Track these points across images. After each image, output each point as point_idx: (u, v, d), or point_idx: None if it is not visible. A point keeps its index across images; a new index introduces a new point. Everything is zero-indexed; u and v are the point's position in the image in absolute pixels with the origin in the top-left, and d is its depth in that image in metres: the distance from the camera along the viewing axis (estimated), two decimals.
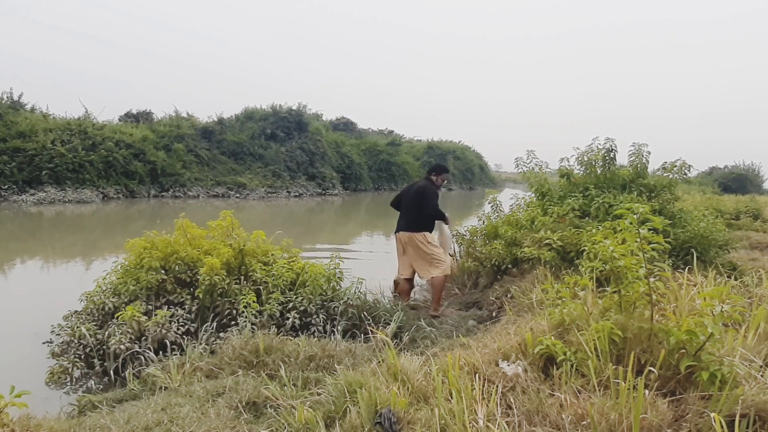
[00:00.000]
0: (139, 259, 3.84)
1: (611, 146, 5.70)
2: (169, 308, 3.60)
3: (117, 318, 3.38)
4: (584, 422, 1.71)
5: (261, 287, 3.75)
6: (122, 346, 3.16)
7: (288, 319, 3.55)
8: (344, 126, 32.67)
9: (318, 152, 24.47)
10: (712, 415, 1.56)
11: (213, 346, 3.17)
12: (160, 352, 3.22)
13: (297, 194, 21.89)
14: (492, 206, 6.22)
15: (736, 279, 4.05)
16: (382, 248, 8.97)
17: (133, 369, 2.98)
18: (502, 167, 58.44)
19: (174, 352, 3.17)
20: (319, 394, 2.21)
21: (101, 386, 3.11)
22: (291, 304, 3.66)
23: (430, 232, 4.56)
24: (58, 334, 3.64)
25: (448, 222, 4.66)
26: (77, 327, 3.50)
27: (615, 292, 2.34)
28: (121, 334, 3.24)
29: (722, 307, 1.92)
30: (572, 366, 2.03)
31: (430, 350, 2.73)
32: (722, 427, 1.49)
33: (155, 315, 3.37)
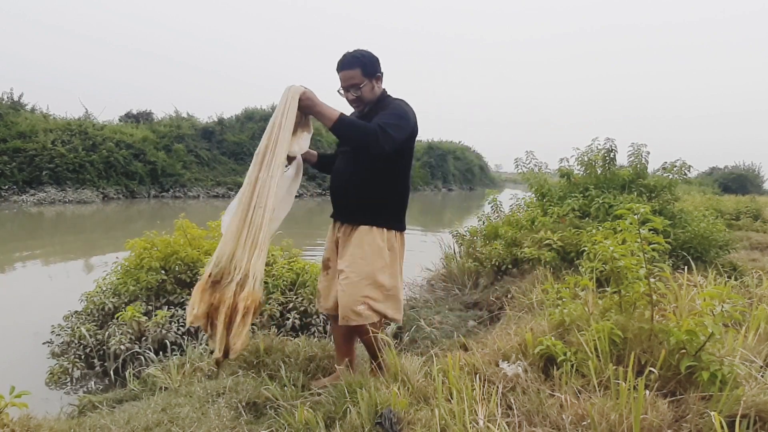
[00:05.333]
0: (139, 259, 3.84)
1: (611, 146, 5.71)
2: (169, 308, 3.60)
3: (117, 318, 3.38)
4: (584, 422, 1.71)
5: None
6: (122, 347, 3.16)
7: (288, 319, 3.55)
8: None
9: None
10: (713, 415, 1.56)
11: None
12: (160, 353, 3.22)
13: (297, 194, 21.81)
14: (492, 206, 6.22)
15: (736, 279, 4.05)
16: None
17: (133, 369, 2.98)
18: (503, 167, 58.51)
19: (174, 353, 3.17)
20: (319, 395, 2.21)
21: (101, 386, 3.11)
22: (291, 305, 3.66)
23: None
24: (58, 335, 3.65)
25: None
26: (77, 327, 3.51)
27: (615, 292, 2.34)
28: (121, 334, 3.24)
29: (722, 307, 1.92)
30: (572, 366, 2.03)
31: (430, 350, 2.73)
32: (722, 427, 1.49)
33: (155, 315, 3.37)
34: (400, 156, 2.28)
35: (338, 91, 2.31)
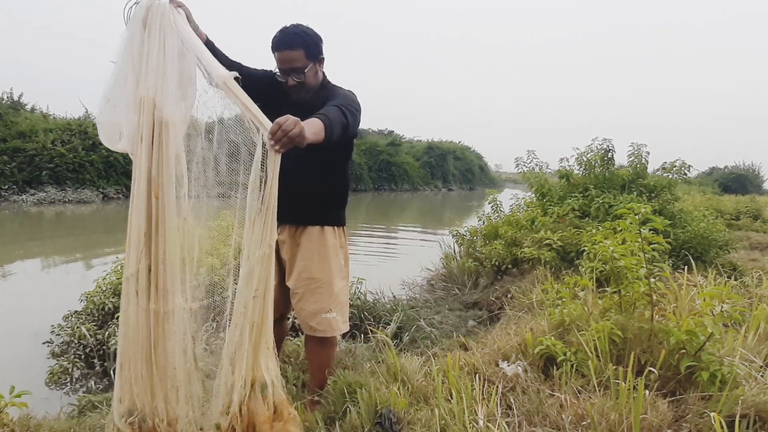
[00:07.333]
0: None
1: (608, 147, 5.73)
2: None
3: (117, 318, 3.38)
4: (584, 422, 1.71)
5: None
6: None
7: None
8: None
9: None
10: (712, 415, 1.56)
11: (213, 346, 3.16)
12: None
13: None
14: (492, 206, 6.23)
15: (736, 279, 4.06)
16: (382, 246, 8.98)
17: None
18: (503, 167, 58.49)
19: None
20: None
21: (101, 386, 3.11)
22: None
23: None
24: (58, 335, 3.64)
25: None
26: (77, 327, 3.50)
27: (615, 292, 2.34)
28: None
29: (722, 307, 1.92)
30: (572, 366, 2.03)
31: (430, 350, 2.73)
32: (722, 427, 1.49)
33: None
34: (350, 147, 2.09)
35: (274, 73, 1.93)
